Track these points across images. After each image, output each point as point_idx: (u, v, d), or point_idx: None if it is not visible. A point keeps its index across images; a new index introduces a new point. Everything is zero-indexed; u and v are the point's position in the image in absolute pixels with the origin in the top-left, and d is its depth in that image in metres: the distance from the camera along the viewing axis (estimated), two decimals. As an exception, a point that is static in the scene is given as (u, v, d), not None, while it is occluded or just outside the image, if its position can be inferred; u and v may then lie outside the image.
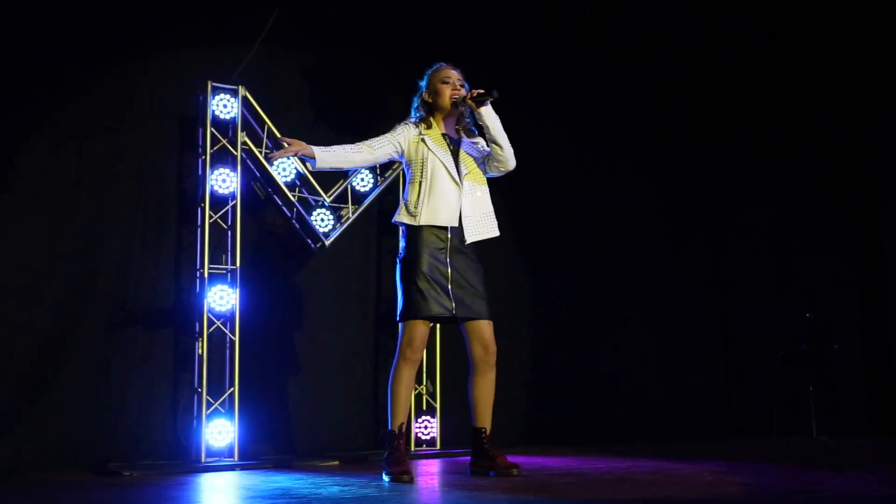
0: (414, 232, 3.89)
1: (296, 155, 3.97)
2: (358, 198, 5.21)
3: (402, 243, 3.97)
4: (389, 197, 5.37)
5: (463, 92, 4.01)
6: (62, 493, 3.58)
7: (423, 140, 3.97)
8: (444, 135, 4.04)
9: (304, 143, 3.92)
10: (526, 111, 5.89)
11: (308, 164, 4.08)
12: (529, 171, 5.84)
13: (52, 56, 4.53)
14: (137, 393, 4.62)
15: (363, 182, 5.23)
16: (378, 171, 5.27)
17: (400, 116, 5.29)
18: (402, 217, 3.94)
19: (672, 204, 6.72)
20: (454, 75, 4.04)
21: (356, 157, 3.99)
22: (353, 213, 5.17)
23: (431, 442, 5.32)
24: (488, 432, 3.95)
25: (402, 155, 4.01)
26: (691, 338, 6.63)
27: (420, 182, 3.93)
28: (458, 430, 5.27)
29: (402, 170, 4.12)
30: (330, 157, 3.94)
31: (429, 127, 4.03)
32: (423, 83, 4.11)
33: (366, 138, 5.22)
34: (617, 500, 3.11)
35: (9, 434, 4.26)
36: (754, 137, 6.98)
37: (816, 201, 6.99)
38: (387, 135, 4.02)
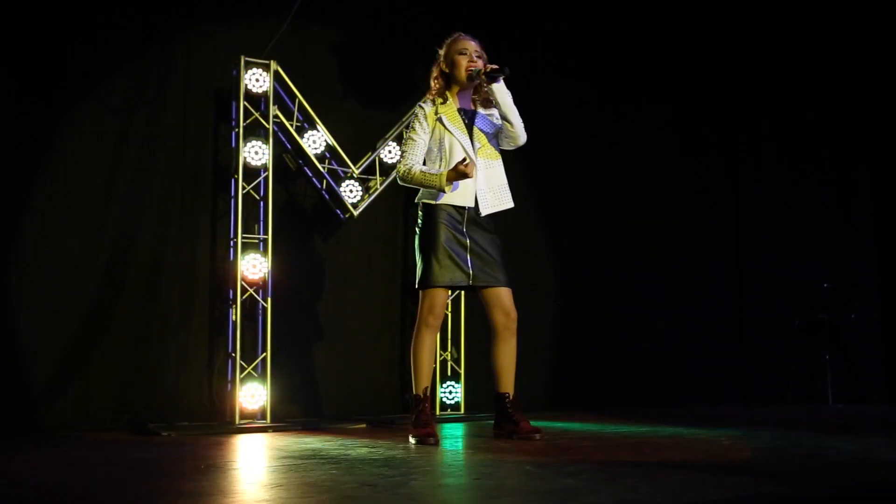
0: (432, 207, 3.98)
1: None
2: (386, 169, 5.30)
3: (420, 215, 4.05)
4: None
5: (479, 64, 4.01)
6: (104, 451, 3.70)
7: (439, 119, 4.01)
8: (459, 110, 4.06)
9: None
10: (550, 93, 5.96)
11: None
12: (555, 149, 5.97)
13: (96, 31, 4.63)
14: (175, 357, 4.76)
15: (391, 154, 5.31)
16: (405, 144, 5.35)
17: (425, 90, 5.43)
18: (422, 197, 4.03)
19: (691, 175, 6.75)
20: (471, 46, 4.04)
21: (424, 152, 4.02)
22: (380, 185, 5.26)
23: (456, 406, 5.44)
24: (511, 397, 4.04)
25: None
26: (710, 306, 6.67)
27: (439, 162, 4.00)
28: (481, 395, 5.38)
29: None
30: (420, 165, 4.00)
31: (444, 101, 4.05)
32: (441, 51, 4.12)
33: (394, 111, 5.40)
34: (636, 462, 3.18)
35: (55, 396, 4.42)
36: (776, 109, 6.99)
37: (836, 172, 7.00)
38: (414, 135, 4.02)
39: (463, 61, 4.02)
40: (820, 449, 3.55)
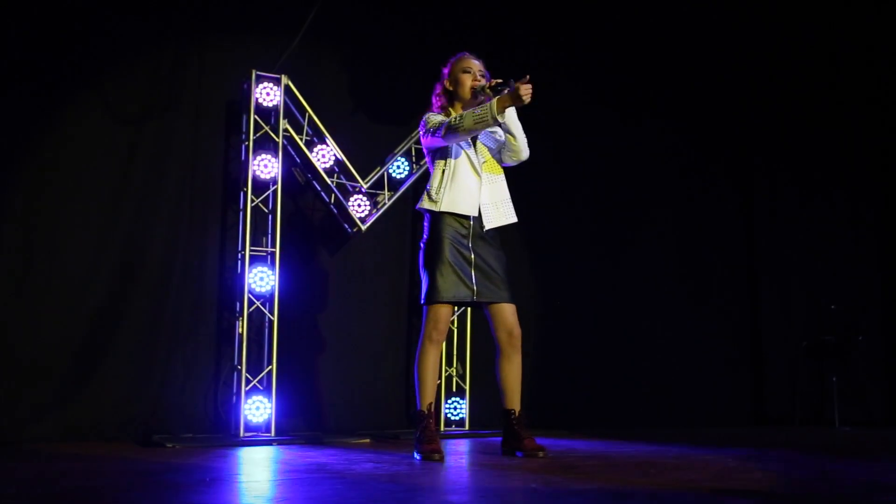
0: (436, 218, 3.97)
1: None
2: (394, 184, 5.32)
3: (425, 229, 4.04)
4: (424, 184, 5.47)
5: (483, 82, 4.04)
6: (108, 463, 3.69)
7: None
8: None
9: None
10: (550, 105, 5.96)
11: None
12: (554, 160, 5.97)
13: (108, 42, 4.67)
14: (181, 368, 4.77)
15: (399, 169, 5.33)
16: (414, 159, 5.37)
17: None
18: (424, 203, 4.02)
19: (700, 194, 6.75)
20: (475, 66, 4.07)
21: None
22: (388, 200, 5.28)
23: (461, 423, 5.43)
24: (517, 414, 4.04)
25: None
26: (717, 326, 6.65)
27: (443, 170, 4.01)
28: (486, 412, 5.39)
29: (427, 160, 4.15)
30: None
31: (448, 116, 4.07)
32: (445, 70, 4.15)
33: (403, 126, 5.42)
34: (642, 483, 3.17)
35: (59, 405, 4.43)
36: (786, 133, 6.99)
37: (844, 197, 7.01)
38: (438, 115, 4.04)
39: (467, 80, 4.05)
40: (826, 473, 3.54)
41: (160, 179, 4.79)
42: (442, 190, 3.97)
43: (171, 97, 4.83)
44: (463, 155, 4.00)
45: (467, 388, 5.44)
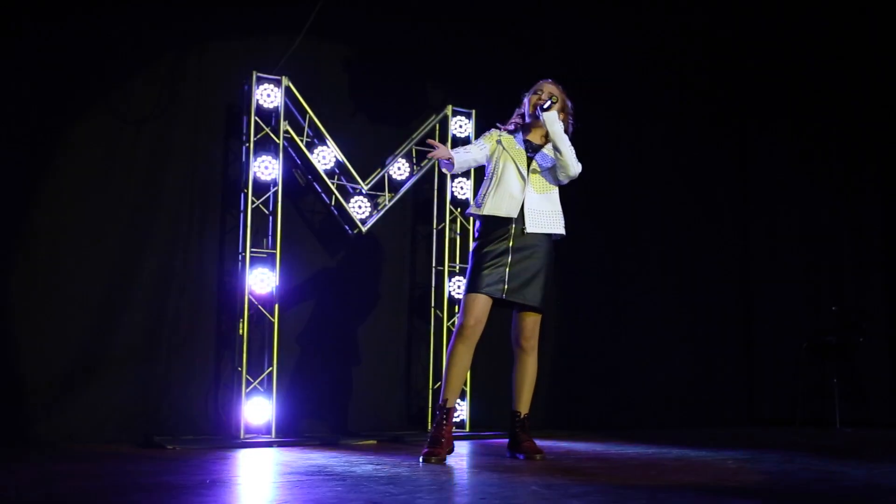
0: (482, 222, 4.10)
1: (439, 158, 4.11)
2: (395, 186, 5.32)
3: (475, 232, 4.17)
4: (425, 185, 5.48)
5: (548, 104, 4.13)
6: (109, 464, 3.69)
7: (499, 142, 4.17)
8: (526, 140, 4.18)
9: (446, 148, 4.10)
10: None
11: (444, 168, 4.22)
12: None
13: (110, 45, 4.67)
14: (182, 370, 4.77)
15: (400, 171, 5.33)
16: (414, 161, 5.37)
17: (435, 108, 5.44)
18: (472, 209, 4.17)
19: (700, 195, 6.74)
20: (547, 89, 4.17)
21: (470, 157, 4.17)
22: (389, 201, 5.27)
23: (461, 424, 5.41)
24: (522, 416, 4.11)
25: (488, 158, 4.18)
26: (717, 327, 6.67)
27: (492, 177, 4.14)
28: (486, 413, 5.40)
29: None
30: (459, 158, 4.12)
31: (513, 132, 4.20)
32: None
33: (403, 128, 5.43)
34: (643, 485, 3.18)
35: (60, 407, 4.43)
36: (785, 129, 6.99)
37: (845, 196, 7.00)
38: (480, 139, 4.22)
39: (532, 100, 4.17)
40: (827, 473, 3.54)
41: (160, 181, 4.79)
42: (487, 196, 4.10)
43: (171, 99, 4.83)
44: (510, 163, 4.12)
45: (468, 389, 5.43)
